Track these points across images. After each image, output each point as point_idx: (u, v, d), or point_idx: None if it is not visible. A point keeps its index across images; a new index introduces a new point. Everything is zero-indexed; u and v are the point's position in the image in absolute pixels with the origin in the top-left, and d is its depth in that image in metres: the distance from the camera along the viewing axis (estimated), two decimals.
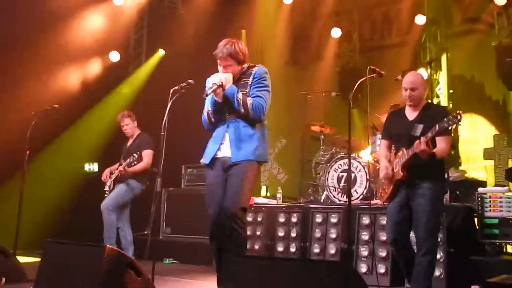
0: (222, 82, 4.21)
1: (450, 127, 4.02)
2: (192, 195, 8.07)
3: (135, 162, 6.35)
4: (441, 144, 4.24)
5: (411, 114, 4.49)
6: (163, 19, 10.40)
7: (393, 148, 4.61)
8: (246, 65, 4.40)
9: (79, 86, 8.87)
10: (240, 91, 4.22)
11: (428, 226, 4.24)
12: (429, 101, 4.67)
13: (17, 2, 7.94)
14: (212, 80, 4.27)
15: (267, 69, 4.41)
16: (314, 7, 10.10)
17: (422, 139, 4.08)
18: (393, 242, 4.47)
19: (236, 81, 4.31)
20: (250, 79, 4.30)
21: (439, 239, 5.30)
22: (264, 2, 10.00)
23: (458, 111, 3.99)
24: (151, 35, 10.62)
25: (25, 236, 6.34)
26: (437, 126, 4.03)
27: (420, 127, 4.24)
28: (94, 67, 9.44)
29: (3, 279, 4.70)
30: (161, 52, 10.27)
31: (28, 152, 6.21)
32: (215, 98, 4.25)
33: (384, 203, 4.65)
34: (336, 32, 9.73)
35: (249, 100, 4.17)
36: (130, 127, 6.81)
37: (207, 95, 4.28)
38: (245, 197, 4.11)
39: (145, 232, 8.53)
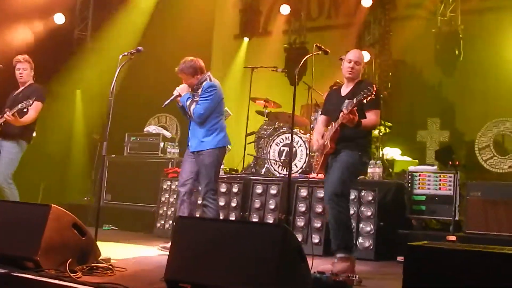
0: (179, 92, 5.37)
1: (366, 100, 4.25)
2: (134, 163, 8.13)
3: (25, 111, 5.56)
4: (369, 116, 4.52)
5: (344, 90, 4.75)
6: None
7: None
8: (204, 76, 5.44)
9: (24, 47, 8.61)
10: (194, 99, 5.33)
11: (337, 180, 4.45)
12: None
13: None
14: (175, 91, 5.41)
15: (216, 83, 5.43)
16: None
17: (344, 110, 4.33)
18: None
19: (195, 90, 5.42)
20: (200, 90, 5.35)
21: (370, 214, 5.67)
22: None
23: (372, 84, 4.32)
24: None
25: None
26: (354, 99, 4.29)
27: (347, 102, 4.43)
28: (39, 29, 9.20)
29: None
30: None
31: None
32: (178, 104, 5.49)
33: (317, 174, 4.93)
34: (284, 9, 9.88)
35: (192, 106, 5.29)
36: (27, 73, 6.00)
37: (165, 105, 5.43)
38: (211, 179, 5.29)
39: (85, 199, 8.55)
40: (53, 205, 3.73)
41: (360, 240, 5.64)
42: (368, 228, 5.66)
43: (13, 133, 5.73)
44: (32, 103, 5.52)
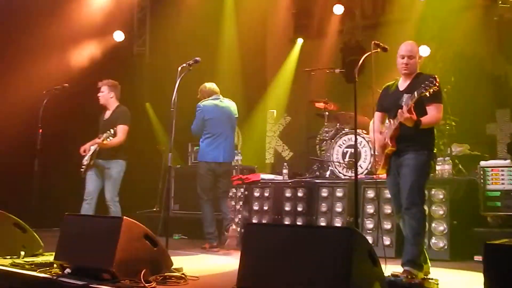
0: None
1: (428, 93, 4.00)
2: (196, 173, 8.20)
3: (111, 138, 6.01)
4: (430, 111, 4.24)
5: (402, 84, 4.48)
6: None
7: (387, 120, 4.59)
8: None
9: (87, 66, 8.93)
10: None
11: (411, 188, 4.20)
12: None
13: None
14: None
15: (202, 104, 6.58)
16: None
17: (404, 107, 4.09)
18: (397, 216, 4.53)
19: None
20: None
21: (442, 212, 5.48)
22: None
23: (433, 76, 4.05)
24: (154, 14, 10.67)
25: (39, 212, 6.46)
26: (415, 93, 4.06)
27: (406, 96, 4.21)
28: (99, 47, 9.51)
29: (22, 253, 4.85)
30: None
31: (40, 130, 6.32)
32: None
33: (379, 174, 4.71)
34: (338, 9, 9.76)
35: None
36: (103, 95, 6.43)
37: None
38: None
39: (154, 209, 8.74)
40: (125, 217, 3.81)
41: (433, 240, 5.46)
42: (441, 228, 5.47)
43: (114, 154, 6.28)
44: (114, 132, 6.01)
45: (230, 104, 6.81)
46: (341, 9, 9.74)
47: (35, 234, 5.10)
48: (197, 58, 5.46)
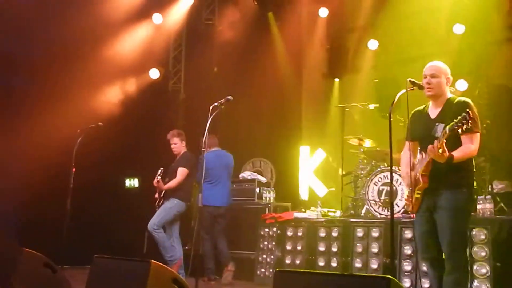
0: None
1: (460, 130, 3.67)
2: (231, 210, 8.13)
3: (168, 179, 6.77)
4: (465, 142, 3.90)
5: (433, 111, 4.15)
6: (201, 36, 10.58)
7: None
8: None
9: (122, 103, 9.07)
10: None
11: (452, 242, 3.89)
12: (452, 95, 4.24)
13: (61, 24, 8.20)
14: None
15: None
16: (349, 19, 10.09)
17: (435, 142, 3.76)
18: (422, 257, 4.24)
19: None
20: None
21: (485, 254, 5.21)
22: (300, 15, 10.06)
23: (466, 110, 3.70)
24: (189, 52, 10.82)
25: (70, 251, 6.49)
26: (447, 129, 3.73)
27: (441, 127, 3.90)
28: (135, 84, 9.66)
29: None
30: None
31: (74, 169, 6.38)
32: None
33: (410, 213, 4.35)
34: (372, 44, 9.69)
35: None
36: (177, 146, 7.12)
37: None
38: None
39: (186, 248, 8.64)
40: (152, 261, 3.73)
41: (475, 283, 5.18)
42: (484, 270, 5.19)
43: (171, 193, 6.94)
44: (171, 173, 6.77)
45: (227, 155, 7.65)
46: (375, 44, 9.67)
47: (64, 275, 5.06)
48: (229, 97, 5.47)
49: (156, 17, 9.74)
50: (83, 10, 8.25)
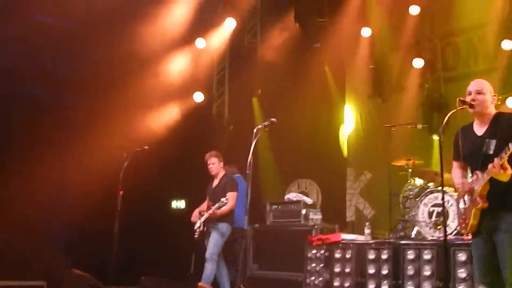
0: None
1: None
2: (278, 231, 8.06)
3: (224, 207, 6.62)
4: None
5: (479, 129, 4.04)
6: (244, 59, 10.66)
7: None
8: None
9: (167, 127, 9.18)
10: None
11: None
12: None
13: (107, 48, 8.43)
14: None
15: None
16: (393, 38, 9.96)
17: (496, 161, 3.62)
18: (481, 282, 4.06)
19: None
20: None
21: None
22: (343, 36, 10.00)
23: None
24: (232, 75, 10.90)
25: (117, 272, 6.55)
26: (510, 145, 3.57)
27: (492, 143, 3.77)
28: (180, 108, 9.77)
29: None
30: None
31: (121, 192, 6.46)
32: None
33: (465, 235, 4.22)
34: (418, 62, 9.51)
35: None
36: (215, 166, 7.04)
37: None
38: None
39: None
40: (199, 283, 3.70)
41: None
42: None
43: (221, 218, 6.77)
44: (227, 200, 6.57)
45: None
46: (421, 62, 9.49)
47: None
48: (273, 119, 5.46)
49: (199, 42, 9.86)
50: (129, 35, 8.44)
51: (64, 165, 7.99)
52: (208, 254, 6.64)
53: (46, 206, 7.90)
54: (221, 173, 7.12)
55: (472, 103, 4.03)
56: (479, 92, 4.02)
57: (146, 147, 6.86)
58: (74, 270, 5.01)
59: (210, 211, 6.59)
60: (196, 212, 6.93)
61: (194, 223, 6.79)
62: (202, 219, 6.69)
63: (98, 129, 8.16)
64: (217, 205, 6.55)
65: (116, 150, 7.31)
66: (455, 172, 4.24)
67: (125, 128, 8.44)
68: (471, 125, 4.16)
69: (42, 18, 8.07)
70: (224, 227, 6.82)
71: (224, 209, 6.66)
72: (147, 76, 9.02)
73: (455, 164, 4.26)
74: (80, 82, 8.41)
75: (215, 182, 7.10)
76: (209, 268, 6.50)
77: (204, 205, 6.98)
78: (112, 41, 8.31)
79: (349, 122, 10.06)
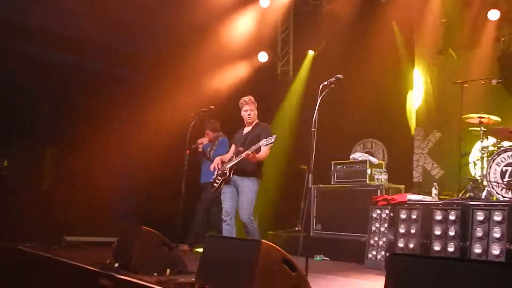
0: None
1: None
2: (342, 192, 8.03)
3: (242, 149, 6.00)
4: None
5: None
6: (308, 16, 10.46)
7: None
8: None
9: (232, 87, 9.24)
10: None
11: None
12: None
13: (172, 13, 8.51)
14: None
15: None
16: None
17: None
18: None
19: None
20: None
21: None
22: None
23: None
24: (297, 33, 10.75)
25: (184, 230, 6.76)
26: None
27: None
28: (245, 69, 9.78)
29: (168, 270, 5.03)
30: (310, 53, 10.41)
31: (188, 151, 6.60)
32: None
33: None
34: (493, 14, 8.98)
35: None
36: (254, 113, 6.38)
37: None
38: None
39: (296, 229, 8.68)
40: (263, 240, 3.75)
41: None
42: None
43: (250, 171, 6.08)
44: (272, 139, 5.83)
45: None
46: (497, 14, 8.95)
47: (179, 253, 5.27)
48: (339, 75, 5.34)
49: (263, 1, 9.75)
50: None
51: (137, 129, 8.29)
52: (246, 218, 5.99)
53: (117, 170, 8.26)
54: (256, 121, 6.43)
55: None
56: None
57: (212, 107, 6.92)
58: (144, 227, 5.21)
59: (245, 153, 5.85)
60: (217, 160, 6.33)
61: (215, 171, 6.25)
62: (230, 163, 6.09)
63: (166, 92, 8.35)
64: (254, 147, 5.88)
65: (183, 112, 7.46)
66: None
67: (192, 89, 8.59)
68: None
69: None
70: (255, 182, 6.14)
71: (260, 155, 6.00)
72: (213, 38, 9.09)
73: None
74: (148, 54, 8.60)
75: (246, 129, 6.43)
76: (251, 231, 5.99)
77: (226, 156, 6.43)
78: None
79: (418, 85, 9.69)
